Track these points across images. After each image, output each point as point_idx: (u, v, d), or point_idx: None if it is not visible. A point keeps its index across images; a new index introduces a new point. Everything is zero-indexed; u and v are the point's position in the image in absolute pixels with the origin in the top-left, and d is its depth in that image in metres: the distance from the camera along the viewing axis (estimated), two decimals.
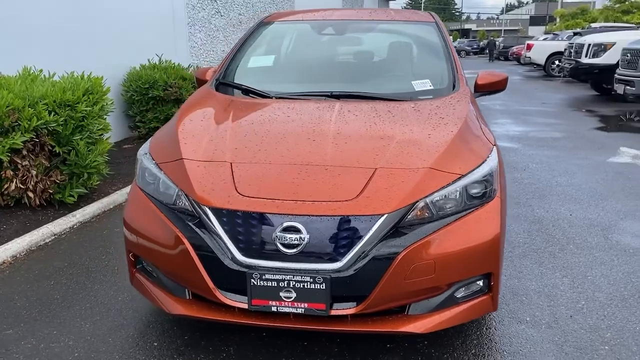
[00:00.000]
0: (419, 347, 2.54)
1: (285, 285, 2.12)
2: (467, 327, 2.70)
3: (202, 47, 9.42)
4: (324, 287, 2.09)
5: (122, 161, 5.99)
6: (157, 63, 7.14)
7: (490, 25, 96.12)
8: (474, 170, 2.33)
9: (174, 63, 7.24)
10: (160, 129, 2.86)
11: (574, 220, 4.27)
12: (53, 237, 3.91)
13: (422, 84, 3.11)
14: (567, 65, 13.91)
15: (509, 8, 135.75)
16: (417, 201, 2.17)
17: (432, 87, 3.09)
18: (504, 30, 77.16)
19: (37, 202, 4.25)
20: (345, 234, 2.11)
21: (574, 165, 6.09)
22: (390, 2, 36.99)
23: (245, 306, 2.20)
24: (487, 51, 37.97)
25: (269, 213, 2.15)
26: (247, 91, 3.16)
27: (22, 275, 3.32)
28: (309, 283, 2.10)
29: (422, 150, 2.40)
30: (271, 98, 3.04)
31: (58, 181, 4.33)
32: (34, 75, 4.57)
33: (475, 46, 50.74)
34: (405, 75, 3.35)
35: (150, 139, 2.78)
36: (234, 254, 2.16)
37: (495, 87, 3.35)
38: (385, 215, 2.12)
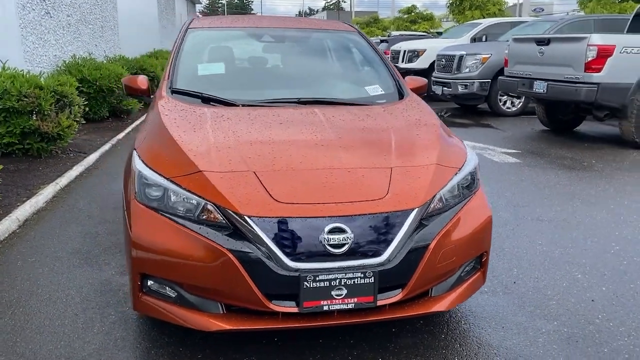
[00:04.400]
0: (419, 327, 2.82)
1: (337, 284, 2.23)
2: None
3: (34, 52, 8.48)
4: (372, 281, 2.25)
5: None
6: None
7: None
8: (464, 164, 2.68)
9: (22, 70, 6.46)
10: (147, 144, 2.67)
11: None
12: None
13: (373, 89, 3.39)
14: None
15: (301, 15, 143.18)
16: (436, 194, 2.44)
17: (382, 92, 3.39)
18: None
19: None
20: (384, 229, 2.30)
21: None
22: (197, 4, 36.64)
23: (294, 310, 2.25)
24: None
25: (314, 217, 2.24)
26: (207, 99, 3.10)
27: None
28: (359, 279, 2.24)
29: (420, 148, 2.68)
30: (238, 106, 3.04)
31: None
32: None
33: None
34: (355, 81, 3.60)
35: (136, 155, 2.59)
36: (283, 260, 2.19)
37: (420, 91, 3.76)
38: (416, 209, 2.35)
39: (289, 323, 2.29)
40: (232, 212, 2.23)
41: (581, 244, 4.01)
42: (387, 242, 2.29)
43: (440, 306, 2.47)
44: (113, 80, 8.92)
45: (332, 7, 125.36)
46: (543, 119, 9.25)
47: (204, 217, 2.30)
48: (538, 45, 8.04)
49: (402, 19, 30.40)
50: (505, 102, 10.88)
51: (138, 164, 2.51)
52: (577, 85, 7.31)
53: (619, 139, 8.01)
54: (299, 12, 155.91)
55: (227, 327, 2.28)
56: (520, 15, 29.42)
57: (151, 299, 2.42)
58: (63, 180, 5.41)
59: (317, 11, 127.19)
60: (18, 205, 4.55)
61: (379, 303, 2.31)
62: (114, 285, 3.25)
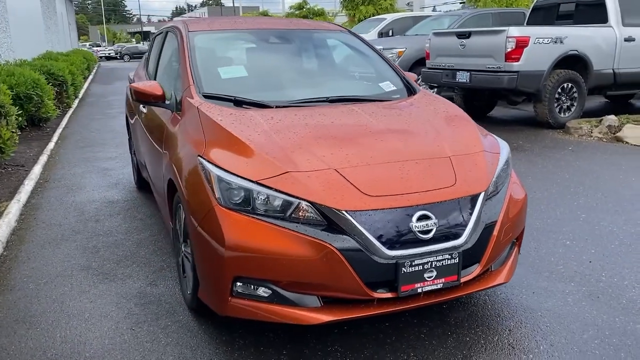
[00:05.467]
0: (464, 301, 3.09)
1: (429, 267, 2.42)
2: None
3: None
4: (457, 261, 2.47)
5: None
6: None
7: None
8: (501, 150, 2.98)
9: None
10: (214, 149, 2.64)
11: None
12: None
13: (386, 85, 3.59)
14: None
15: (179, 11, 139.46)
16: (493, 178, 2.71)
17: (395, 88, 3.60)
18: None
19: None
20: (461, 213, 2.53)
21: None
22: None
23: (392, 295, 2.41)
24: None
25: (403, 207, 2.41)
26: (240, 102, 3.12)
27: None
28: (446, 260, 2.45)
29: (465, 137, 2.94)
30: (272, 107, 3.10)
31: None
32: None
33: None
34: (368, 78, 3.77)
35: (207, 161, 2.56)
36: (381, 249, 2.35)
37: None
38: (483, 193, 2.60)
39: (385, 308, 2.44)
40: (331, 208, 2.34)
41: (553, 215, 4.52)
42: (464, 224, 2.52)
43: (501, 278, 2.75)
44: (30, 86, 8.29)
45: (211, 2, 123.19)
46: (461, 106, 9.96)
47: (295, 215, 2.38)
48: (459, 38, 8.69)
49: (293, 15, 30.80)
50: None
51: (215, 170, 2.51)
52: (500, 74, 8.02)
53: (531, 121, 8.90)
54: (176, 8, 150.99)
55: (329, 318, 2.39)
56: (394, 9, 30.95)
57: (242, 300, 2.46)
58: (22, 196, 5.03)
59: (196, 7, 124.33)
60: None
61: (462, 280, 2.54)
62: (152, 297, 3.18)
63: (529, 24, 10.14)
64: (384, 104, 3.31)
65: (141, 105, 4.17)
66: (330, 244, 2.31)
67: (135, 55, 46.24)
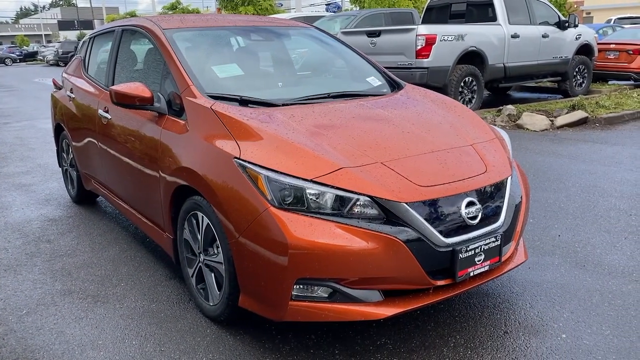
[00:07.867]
0: None
1: (479, 251, 2.52)
2: None
3: None
4: (499, 243, 2.60)
5: None
6: None
7: (5, 30, 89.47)
8: (504, 136, 3.17)
9: None
10: (254, 150, 2.49)
11: None
12: None
13: (373, 80, 3.63)
14: None
15: (24, 12, 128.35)
16: (511, 162, 2.89)
17: (380, 83, 3.65)
18: (44, 34, 73.32)
19: None
20: (496, 197, 2.67)
21: None
22: None
23: (444, 283, 2.47)
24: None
25: (452, 195, 2.49)
26: (246, 102, 2.99)
27: None
28: (492, 243, 2.57)
29: (474, 126, 3.08)
30: (279, 106, 3.01)
31: None
32: None
33: (18, 52, 46.81)
34: (355, 74, 3.76)
35: (250, 164, 2.42)
36: (440, 238, 2.41)
37: None
38: (509, 176, 2.76)
39: (442, 295, 2.49)
40: (391, 201, 2.34)
41: None
42: (500, 207, 2.66)
43: (521, 257, 2.93)
44: None
45: (62, 3, 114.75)
46: None
47: (352, 211, 2.36)
48: (369, 37, 8.99)
49: (166, 14, 29.67)
50: None
51: (263, 171, 2.39)
52: (412, 70, 8.45)
53: None
54: (21, 8, 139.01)
55: (394, 311, 2.39)
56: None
57: (301, 303, 2.38)
58: None
59: (45, 7, 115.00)
60: None
61: (503, 259, 2.67)
62: (163, 315, 2.95)
63: (423, 22, 10.75)
64: (384, 98, 3.35)
65: (101, 111, 3.81)
66: (395, 237, 2.31)
67: None
